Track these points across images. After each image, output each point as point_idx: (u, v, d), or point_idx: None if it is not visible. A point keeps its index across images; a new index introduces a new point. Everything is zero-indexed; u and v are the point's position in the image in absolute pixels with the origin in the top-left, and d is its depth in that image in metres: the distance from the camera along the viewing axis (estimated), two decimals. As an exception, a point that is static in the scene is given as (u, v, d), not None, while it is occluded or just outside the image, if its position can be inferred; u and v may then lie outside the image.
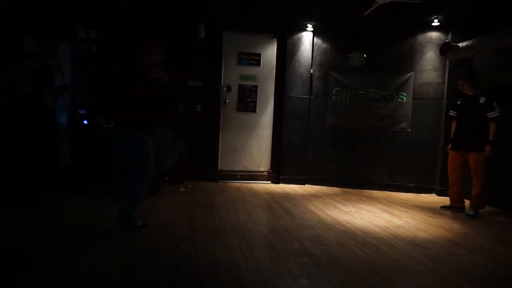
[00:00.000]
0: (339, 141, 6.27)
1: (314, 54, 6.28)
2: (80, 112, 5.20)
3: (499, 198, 5.06)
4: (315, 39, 6.27)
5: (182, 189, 5.37)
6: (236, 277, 2.53)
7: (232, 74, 6.34)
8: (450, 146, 4.76)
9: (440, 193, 5.67)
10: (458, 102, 4.70)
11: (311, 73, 6.28)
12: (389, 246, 3.31)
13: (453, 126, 4.80)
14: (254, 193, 5.44)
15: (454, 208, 4.72)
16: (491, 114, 4.31)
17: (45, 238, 3.13)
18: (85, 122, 5.12)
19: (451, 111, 4.86)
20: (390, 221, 4.19)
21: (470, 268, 2.90)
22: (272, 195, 5.36)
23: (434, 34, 5.89)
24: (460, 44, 5.29)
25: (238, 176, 6.31)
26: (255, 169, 6.50)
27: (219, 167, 6.34)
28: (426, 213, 4.60)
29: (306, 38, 6.24)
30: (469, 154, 4.50)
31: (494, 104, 4.32)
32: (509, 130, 5.01)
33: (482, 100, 4.40)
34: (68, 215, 3.84)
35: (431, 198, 5.51)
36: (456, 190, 4.69)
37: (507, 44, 4.67)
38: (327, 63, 6.27)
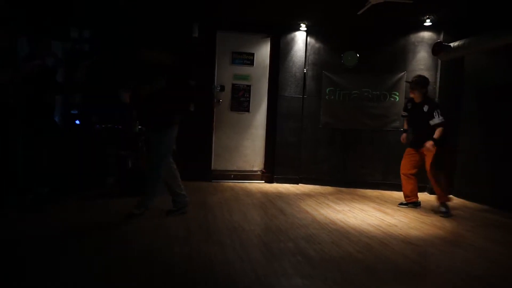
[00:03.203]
0: (332, 141, 6.29)
1: (308, 53, 6.30)
2: (72, 112, 5.16)
3: (490, 196, 5.13)
4: (308, 38, 6.28)
5: (175, 189, 5.34)
6: (231, 277, 2.53)
7: (226, 74, 6.34)
8: (404, 135, 4.97)
9: (432, 192, 5.71)
10: (408, 107, 4.84)
11: (304, 73, 6.30)
12: (382, 244, 3.34)
13: (405, 124, 5.01)
14: (248, 193, 5.44)
15: (411, 204, 4.83)
16: (433, 122, 4.47)
17: (40, 238, 3.10)
18: (77, 122, 5.09)
19: (403, 111, 5.05)
20: (383, 219, 4.22)
21: (464, 266, 2.93)
22: (266, 195, 5.37)
23: (426, 34, 5.94)
24: (452, 44, 5.34)
25: (232, 176, 6.31)
26: (249, 168, 6.50)
27: (212, 167, 6.33)
28: (419, 212, 4.64)
29: (300, 37, 6.25)
30: (422, 152, 4.62)
31: (435, 113, 4.47)
32: (499, 129, 5.08)
33: (425, 108, 4.56)
34: (64, 215, 3.81)
35: (423, 197, 5.55)
36: (410, 185, 4.78)
37: (498, 44, 4.73)
38: (321, 63, 6.29)
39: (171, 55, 3.83)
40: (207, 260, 2.79)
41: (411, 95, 4.74)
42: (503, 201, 4.87)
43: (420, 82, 4.63)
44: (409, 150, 4.82)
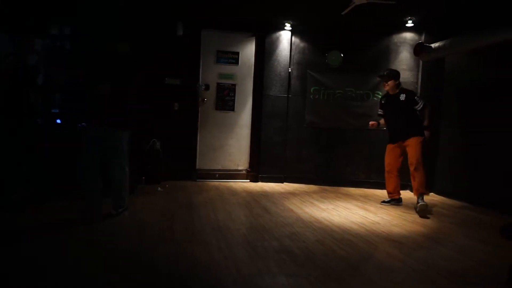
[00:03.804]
0: (317, 140, 6.34)
1: (292, 53, 6.33)
2: (53, 111, 5.05)
3: (469, 193, 5.26)
4: (293, 38, 6.31)
5: (159, 188, 5.31)
6: (216, 276, 2.52)
7: (211, 73, 6.31)
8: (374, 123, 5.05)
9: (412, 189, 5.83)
10: (383, 102, 4.97)
11: (289, 72, 6.32)
12: (365, 242, 3.39)
13: (382, 122, 5.06)
14: (233, 192, 5.44)
15: (394, 201, 4.90)
16: (418, 107, 4.60)
17: (24, 239, 3.05)
18: (58, 121, 4.98)
19: (379, 109, 5.11)
20: (366, 217, 4.28)
21: (445, 263, 3.00)
22: (251, 194, 5.38)
23: (408, 35, 6.04)
24: (432, 45, 5.45)
25: (217, 175, 6.29)
26: (234, 168, 6.50)
27: (197, 166, 6.30)
28: (401, 209, 4.72)
29: (285, 37, 6.28)
30: (405, 144, 4.67)
31: (416, 97, 4.66)
32: (478, 128, 5.21)
33: (402, 97, 4.68)
34: (46, 216, 3.72)
35: (406, 195, 5.64)
36: (394, 182, 4.85)
37: (477, 45, 4.86)
38: (305, 62, 6.33)
39: (136, 48, 3.75)
40: (192, 259, 2.78)
41: (385, 88, 4.86)
42: (482, 199, 5.00)
43: (392, 74, 4.77)
44: (389, 146, 4.87)
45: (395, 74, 4.81)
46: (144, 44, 5.74)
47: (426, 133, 4.64)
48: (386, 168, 4.90)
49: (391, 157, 4.84)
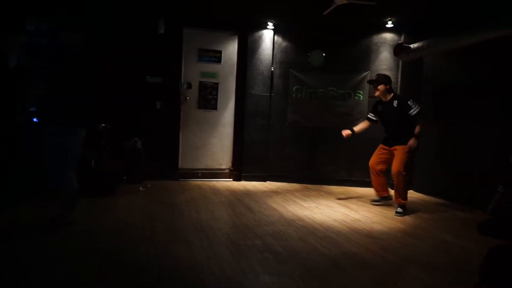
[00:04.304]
0: (299, 139, 6.39)
1: (275, 52, 6.35)
2: (30, 109, 4.91)
3: (445, 190, 5.40)
4: (275, 37, 6.33)
5: (141, 188, 5.24)
6: (198, 276, 2.51)
7: (193, 71, 6.27)
8: (348, 132, 4.91)
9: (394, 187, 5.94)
10: (379, 109, 4.77)
11: (271, 71, 6.34)
12: (347, 239, 3.44)
13: (364, 124, 4.95)
14: (216, 191, 5.42)
15: (384, 198, 4.84)
16: (413, 111, 4.40)
17: (5, 239, 2.97)
18: (36, 119, 4.85)
19: (370, 113, 4.93)
20: (348, 215, 4.34)
21: (422, 257, 3.08)
22: (233, 193, 5.37)
23: (388, 36, 6.15)
24: (411, 46, 5.57)
25: (200, 174, 6.26)
26: (216, 167, 6.48)
27: (180, 165, 6.25)
28: (381, 207, 4.81)
29: (267, 36, 6.29)
30: (392, 149, 4.59)
31: (409, 102, 4.45)
32: (454, 126, 5.36)
33: (395, 103, 4.55)
34: (24, 217, 3.64)
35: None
36: (379, 180, 4.76)
37: (453, 46, 4.99)
38: (288, 61, 6.36)
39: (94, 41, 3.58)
40: (174, 259, 2.76)
41: (376, 94, 4.70)
42: (458, 195, 5.15)
43: (381, 80, 4.63)
44: (381, 147, 4.76)
45: (385, 79, 4.63)
46: (124, 41, 5.68)
47: (410, 141, 4.40)
48: (370, 165, 4.80)
49: (374, 157, 4.78)
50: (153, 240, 3.15)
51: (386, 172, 4.85)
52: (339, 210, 4.55)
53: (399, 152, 4.49)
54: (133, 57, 5.75)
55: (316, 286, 2.47)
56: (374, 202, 4.95)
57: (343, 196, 5.42)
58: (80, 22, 5.22)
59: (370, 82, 4.92)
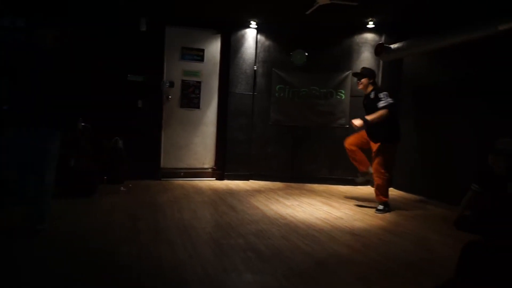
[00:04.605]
0: (282, 137, 6.42)
1: (258, 51, 6.35)
2: (5, 108, 4.76)
3: (424, 187, 5.53)
4: (258, 36, 6.34)
5: (122, 188, 5.16)
6: (181, 276, 2.50)
7: (175, 70, 6.21)
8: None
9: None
10: (364, 102, 4.77)
11: (254, 70, 6.35)
12: (329, 237, 3.47)
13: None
14: (199, 191, 5.39)
15: (365, 174, 4.71)
16: (380, 104, 4.33)
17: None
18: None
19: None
20: (330, 213, 4.39)
21: (402, 254, 3.14)
22: (216, 192, 5.36)
23: (369, 36, 6.24)
24: (392, 46, 5.66)
25: (182, 174, 6.21)
26: (199, 166, 6.44)
27: (162, 165, 6.18)
28: (363, 204, 4.88)
29: (250, 35, 6.29)
30: (372, 146, 4.56)
31: (380, 95, 4.36)
32: (432, 126, 5.49)
33: (372, 95, 4.53)
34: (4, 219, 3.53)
35: (367, 190, 5.85)
36: (358, 155, 4.66)
37: (432, 47, 5.11)
38: (270, 60, 6.37)
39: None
40: (156, 260, 2.73)
41: (359, 87, 4.71)
42: (437, 192, 5.27)
43: (365, 73, 4.64)
44: (363, 132, 4.64)
45: (369, 73, 4.62)
46: (105, 38, 5.58)
47: (359, 120, 4.36)
48: (345, 143, 4.71)
49: (354, 136, 4.67)
50: (135, 241, 3.11)
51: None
52: (321, 208, 4.60)
53: (377, 151, 4.47)
54: (114, 55, 5.66)
55: (298, 284, 2.48)
56: (356, 181, 4.91)
57: (325, 194, 5.47)
58: (57, 18, 5.10)
59: (354, 74, 4.91)
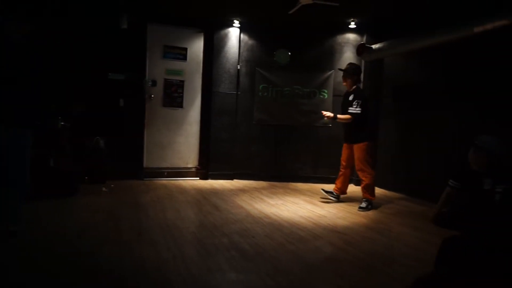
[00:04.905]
0: (265, 137, 6.43)
1: (241, 50, 6.35)
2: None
3: (404, 185, 5.64)
4: (242, 35, 6.33)
5: (104, 188, 5.08)
6: (164, 276, 2.48)
7: (158, 68, 6.14)
8: None
9: (357, 183, 6.13)
10: (343, 98, 4.87)
11: (238, 69, 6.34)
12: (312, 234, 3.51)
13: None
14: (182, 190, 5.36)
15: (334, 195, 4.88)
16: (349, 109, 4.54)
17: None
18: None
19: None
20: (313, 211, 4.43)
21: (384, 250, 3.21)
22: (200, 191, 5.33)
23: (351, 36, 6.32)
24: (373, 46, 5.75)
25: (165, 173, 6.16)
26: (183, 165, 6.40)
27: (144, 165, 6.11)
28: (346, 202, 4.94)
29: (233, 34, 6.28)
30: (352, 146, 4.70)
31: (354, 102, 4.52)
32: (412, 125, 5.61)
33: (351, 97, 4.64)
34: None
35: (350, 188, 5.92)
36: (343, 177, 4.82)
37: (411, 48, 5.22)
38: (254, 60, 6.38)
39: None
40: (139, 260, 2.70)
41: (344, 84, 4.79)
42: (417, 190, 5.39)
43: (350, 69, 4.70)
44: (344, 145, 4.84)
45: (354, 70, 4.67)
46: (84, 35, 5.47)
47: (328, 113, 4.62)
48: (342, 162, 4.85)
49: (344, 154, 4.82)
50: (117, 242, 3.07)
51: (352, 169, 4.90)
52: (305, 207, 4.63)
53: (356, 151, 4.61)
54: (94, 52, 5.56)
55: (282, 282, 2.50)
56: (323, 190, 4.98)
57: (309, 193, 5.52)
58: (32, 12, 4.96)
59: (340, 69, 4.98)
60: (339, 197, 4.95)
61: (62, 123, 4.76)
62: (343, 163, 4.85)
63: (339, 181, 4.92)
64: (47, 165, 4.42)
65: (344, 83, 4.81)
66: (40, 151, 4.42)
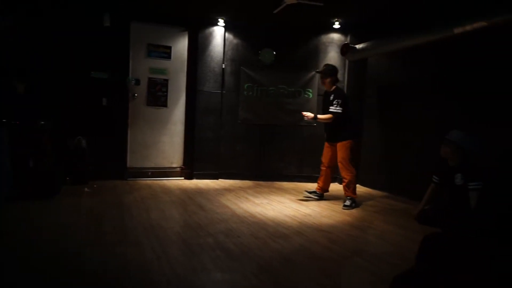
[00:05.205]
0: (250, 136, 6.43)
1: (226, 49, 6.33)
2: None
3: (388, 184, 5.72)
4: (226, 34, 6.31)
5: (86, 189, 4.99)
6: (148, 277, 2.45)
7: (141, 67, 6.06)
8: None
9: (341, 181, 6.17)
10: (324, 98, 4.94)
11: (223, 68, 6.32)
12: (297, 233, 3.52)
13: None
14: (167, 190, 5.30)
15: (317, 194, 4.93)
16: (330, 109, 4.59)
17: None
18: None
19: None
20: (298, 210, 4.45)
21: (366, 247, 3.24)
22: (185, 191, 5.29)
23: (335, 36, 6.37)
24: (357, 46, 5.81)
25: (150, 173, 6.09)
26: (167, 165, 6.33)
27: (128, 164, 6.03)
28: (330, 201, 4.98)
29: (218, 33, 6.25)
30: (335, 145, 4.75)
31: (335, 101, 4.57)
32: (395, 124, 5.69)
33: (332, 97, 4.68)
34: None
35: (335, 187, 5.97)
36: (325, 176, 4.87)
37: (394, 48, 5.30)
38: (239, 59, 6.36)
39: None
40: (122, 262, 2.66)
41: (322, 85, 4.85)
42: (400, 188, 5.47)
43: (327, 70, 4.76)
44: (326, 144, 4.90)
45: (330, 70, 4.73)
46: (66, 32, 5.36)
47: (309, 114, 4.64)
48: (323, 161, 4.90)
49: (325, 153, 4.87)
50: (99, 243, 3.02)
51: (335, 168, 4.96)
52: (290, 206, 4.65)
53: (339, 149, 4.66)
54: (76, 50, 5.45)
55: (267, 281, 2.50)
56: (306, 191, 5.00)
57: (294, 192, 5.54)
58: (11, 8, 4.84)
59: (317, 71, 5.05)
60: (323, 195, 5.00)
61: (42, 122, 4.65)
62: (324, 162, 4.90)
63: (321, 180, 4.96)
64: (27, 165, 4.31)
65: (323, 84, 4.88)
66: (19, 151, 4.32)
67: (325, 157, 4.90)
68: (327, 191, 5.03)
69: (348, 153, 4.64)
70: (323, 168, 4.93)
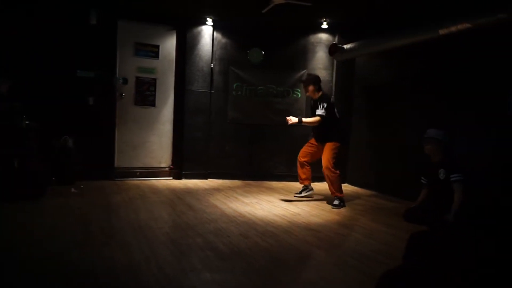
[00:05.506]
0: (240, 135, 6.42)
1: (215, 48, 6.31)
2: None
3: (377, 183, 5.79)
4: (215, 33, 6.29)
5: (73, 189, 4.92)
6: (137, 278, 2.42)
7: (129, 66, 6.00)
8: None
9: (323, 180, 6.21)
10: (311, 104, 4.97)
11: (211, 68, 6.29)
12: (286, 232, 3.53)
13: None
14: (155, 190, 5.27)
15: (306, 188, 4.91)
16: (317, 111, 4.64)
17: None
18: None
19: None
20: (287, 209, 4.46)
21: (355, 246, 3.27)
22: (174, 191, 5.26)
23: (324, 36, 6.41)
24: (345, 46, 5.86)
25: (138, 173, 6.03)
26: (156, 165, 6.29)
27: (116, 164, 5.96)
28: (320, 200, 5.01)
29: (206, 32, 6.22)
30: (322, 147, 4.76)
31: (320, 104, 4.63)
32: (383, 124, 5.76)
33: (318, 102, 4.73)
34: None
35: (323, 186, 6.02)
36: (304, 170, 4.87)
37: (382, 48, 5.36)
38: (228, 58, 6.35)
39: None
40: (110, 263, 2.63)
41: (307, 94, 4.93)
42: (387, 187, 5.54)
43: (308, 80, 4.83)
44: (311, 141, 4.92)
45: (311, 80, 4.80)
46: (51, 30, 5.28)
47: (293, 118, 4.57)
48: (298, 156, 4.92)
49: (305, 148, 4.91)
50: (87, 245, 2.98)
51: (313, 166, 4.95)
52: (280, 205, 4.66)
53: (326, 149, 4.69)
54: (62, 49, 5.37)
55: (257, 280, 2.50)
56: (296, 194, 4.99)
57: (283, 191, 5.56)
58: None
59: (301, 81, 5.09)
60: (311, 187, 4.95)
61: (27, 122, 4.56)
62: (301, 156, 4.86)
63: (302, 172, 4.89)
64: (11, 166, 4.23)
65: (307, 93, 4.91)
66: (4, 151, 4.24)
67: (305, 153, 4.87)
68: (310, 179, 4.93)
69: (333, 155, 4.64)
70: (301, 160, 4.87)
